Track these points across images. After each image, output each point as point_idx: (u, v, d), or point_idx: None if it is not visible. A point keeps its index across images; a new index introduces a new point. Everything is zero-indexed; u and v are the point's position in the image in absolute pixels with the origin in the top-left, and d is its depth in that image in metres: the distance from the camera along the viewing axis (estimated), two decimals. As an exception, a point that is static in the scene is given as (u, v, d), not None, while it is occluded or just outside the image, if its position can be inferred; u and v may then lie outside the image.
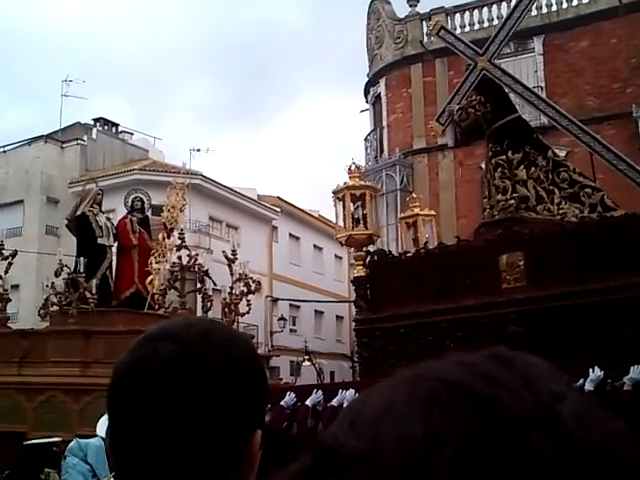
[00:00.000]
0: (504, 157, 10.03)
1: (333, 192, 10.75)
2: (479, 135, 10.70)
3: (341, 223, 10.84)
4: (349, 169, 10.68)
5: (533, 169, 10.05)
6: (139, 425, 1.03)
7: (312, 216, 36.88)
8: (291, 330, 33.54)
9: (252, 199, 33.80)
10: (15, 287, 25.52)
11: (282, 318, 31.32)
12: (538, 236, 9.10)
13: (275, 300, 33.25)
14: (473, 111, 10.15)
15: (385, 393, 0.54)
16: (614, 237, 8.59)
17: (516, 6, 10.36)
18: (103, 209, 14.65)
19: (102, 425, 4.85)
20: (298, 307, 34.78)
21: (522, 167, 10.01)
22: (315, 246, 36.97)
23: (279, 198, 35.78)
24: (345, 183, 10.62)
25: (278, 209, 34.92)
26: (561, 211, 9.84)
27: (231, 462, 1.05)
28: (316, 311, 35.60)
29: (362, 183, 10.76)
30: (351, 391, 8.70)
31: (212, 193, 31.02)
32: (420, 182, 23.44)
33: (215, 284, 13.28)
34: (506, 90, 10.48)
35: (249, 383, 1.09)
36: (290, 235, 36.40)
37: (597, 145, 9.96)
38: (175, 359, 1.04)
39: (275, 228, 35.23)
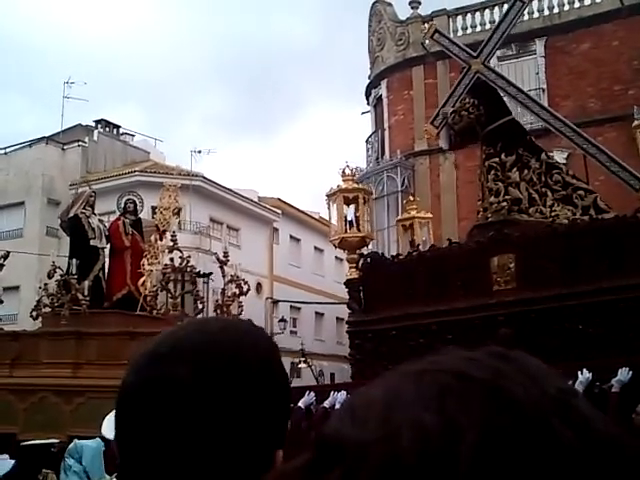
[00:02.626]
0: (497, 159, 10.06)
1: (326, 195, 10.79)
2: (473, 138, 10.71)
3: (335, 226, 10.87)
4: (342, 172, 10.68)
5: (526, 171, 10.07)
6: (148, 443, 0.96)
7: (313, 218, 36.78)
8: (291, 332, 33.50)
9: (253, 201, 33.82)
10: (15, 288, 25.66)
11: (282, 319, 31.28)
12: (529, 238, 9.13)
13: (275, 302, 33.25)
14: (466, 114, 10.18)
15: (389, 386, 0.54)
16: (604, 240, 8.58)
17: (509, 9, 10.36)
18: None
19: (107, 425, 4.78)
20: (298, 309, 34.76)
21: (515, 169, 10.04)
22: (316, 248, 36.88)
23: (280, 200, 35.77)
24: (338, 186, 10.63)
25: (279, 211, 34.90)
26: (553, 213, 9.86)
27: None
28: (316, 313, 35.53)
29: (355, 186, 10.77)
30: (343, 393, 8.77)
31: (213, 194, 31.06)
32: (421, 184, 23.37)
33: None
34: (500, 93, 10.48)
35: (265, 388, 1.01)
36: (291, 237, 36.36)
37: (590, 147, 9.95)
38: (183, 364, 0.97)
39: (276, 230, 35.19)
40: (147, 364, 1.01)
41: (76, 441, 7.55)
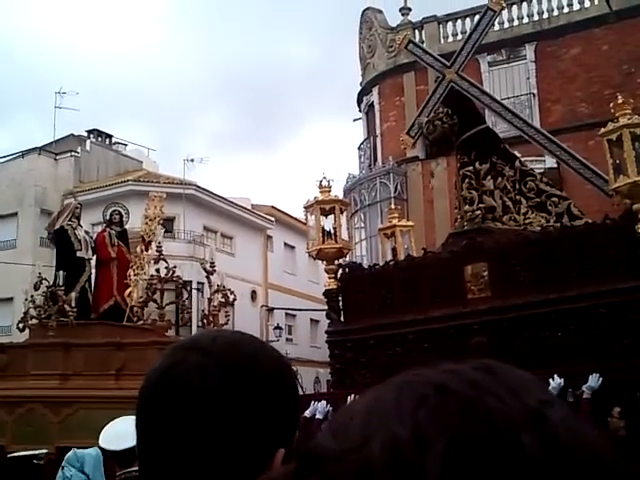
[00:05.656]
0: (471, 168, 10.10)
1: (304, 206, 10.87)
2: (449, 147, 10.76)
3: (313, 237, 10.95)
4: (319, 184, 10.77)
5: (500, 179, 10.12)
6: (161, 430, 1.05)
7: (307, 225, 36.77)
8: (287, 339, 33.52)
9: (246, 209, 33.85)
10: (9, 300, 25.71)
11: (278, 327, 31.37)
12: (501, 246, 9.14)
13: (271, 309, 33.29)
14: (440, 123, 10.22)
15: (371, 398, 0.55)
16: (575, 246, 8.61)
17: (481, 19, 10.43)
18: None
19: (106, 435, 4.84)
20: (294, 316, 34.79)
21: (489, 177, 10.07)
22: (310, 255, 36.87)
23: (273, 207, 35.84)
24: (315, 198, 10.71)
25: (272, 218, 34.96)
26: (527, 221, 9.88)
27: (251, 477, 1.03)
28: (312, 320, 35.51)
29: (332, 197, 10.84)
30: (323, 403, 8.79)
31: (206, 203, 31.12)
32: (414, 190, 23.43)
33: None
34: (474, 102, 10.54)
35: (276, 398, 1.09)
36: (285, 244, 36.40)
37: (564, 154, 10.02)
38: (199, 369, 1.06)
39: (270, 237, 35.25)
40: (171, 352, 1.13)
41: (76, 450, 7.55)
